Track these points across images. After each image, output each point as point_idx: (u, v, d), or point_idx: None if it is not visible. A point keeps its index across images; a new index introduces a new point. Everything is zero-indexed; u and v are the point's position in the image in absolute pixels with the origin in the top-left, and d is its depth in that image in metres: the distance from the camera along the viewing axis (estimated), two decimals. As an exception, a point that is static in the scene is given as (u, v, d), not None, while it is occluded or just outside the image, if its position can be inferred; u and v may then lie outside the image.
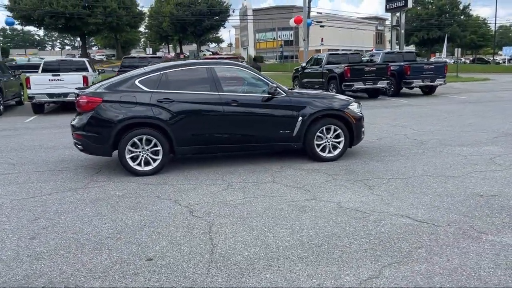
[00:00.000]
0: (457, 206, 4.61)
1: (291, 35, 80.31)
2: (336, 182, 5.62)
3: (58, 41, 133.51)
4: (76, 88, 6.70)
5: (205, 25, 59.75)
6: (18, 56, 50.46)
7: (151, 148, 6.12)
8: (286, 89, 6.79)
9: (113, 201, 5.00)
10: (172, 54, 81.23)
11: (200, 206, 4.78)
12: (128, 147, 6.03)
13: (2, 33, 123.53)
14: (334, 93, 7.62)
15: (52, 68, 15.34)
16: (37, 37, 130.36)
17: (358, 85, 15.94)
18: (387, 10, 29.79)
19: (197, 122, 6.26)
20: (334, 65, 16.91)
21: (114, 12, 46.46)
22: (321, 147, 6.75)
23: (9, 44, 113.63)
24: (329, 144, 6.78)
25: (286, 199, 4.96)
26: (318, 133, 6.68)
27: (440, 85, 17.38)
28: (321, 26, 52.18)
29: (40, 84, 13.66)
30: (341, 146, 6.83)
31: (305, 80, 19.00)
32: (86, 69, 15.37)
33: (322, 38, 57.80)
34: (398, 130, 9.56)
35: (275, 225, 4.18)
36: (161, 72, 6.35)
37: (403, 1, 27.60)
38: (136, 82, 6.20)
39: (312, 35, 60.92)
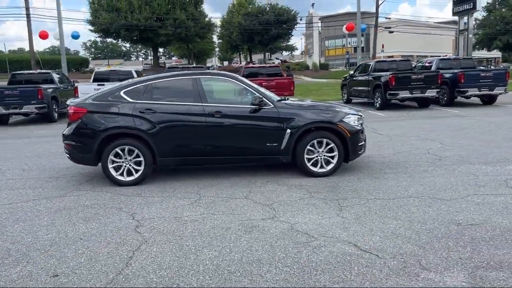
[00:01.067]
0: (421, 235, 4.06)
1: (361, 41, 78.32)
2: (309, 201, 5.25)
3: (142, 51, 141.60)
4: (70, 99, 6.95)
5: (272, 33, 60.12)
6: (97, 66, 54.48)
7: (133, 158, 6.16)
8: (276, 99, 6.51)
9: (75, 212, 5.07)
10: (243, 62, 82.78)
11: (151, 221, 4.69)
12: (111, 157, 6.11)
13: (94, 45, 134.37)
14: (333, 104, 7.16)
15: (102, 78, 16.25)
16: (124, 48, 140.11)
17: (404, 94, 15.00)
18: (454, 13, 27.88)
19: (179, 133, 6.19)
20: (380, 73, 16.09)
21: (183, 23, 48.37)
22: (312, 161, 6.37)
23: (94, 55, 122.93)
24: (321, 159, 6.38)
25: (242, 218, 4.70)
26: (308, 147, 6.32)
27: (501, 94, 15.81)
28: (390, 32, 50.20)
29: (87, 93, 14.48)
30: (334, 161, 6.39)
31: (353, 88, 18.31)
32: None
33: (383, 45, 55.46)
34: (423, 144, 8.79)
35: (207, 246, 3.96)
36: (146, 83, 6.39)
37: (471, 4, 25.64)
38: (121, 93, 6.29)
39: (382, 42, 58.90)
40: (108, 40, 67.87)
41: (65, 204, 5.39)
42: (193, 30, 49.77)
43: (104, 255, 3.82)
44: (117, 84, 6.61)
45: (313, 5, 75.53)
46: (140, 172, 6.18)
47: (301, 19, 64.12)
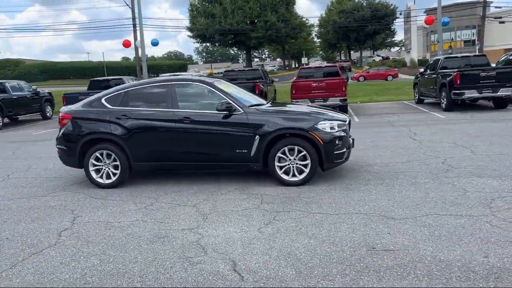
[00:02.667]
0: (318, 257, 3.66)
1: (472, 34, 71.46)
2: (250, 211, 5.02)
3: (255, 53, 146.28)
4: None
5: (368, 30, 57.91)
6: (193, 70, 57.69)
7: (111, 162, 6.46)
8: (248, 105, 6.32)
9: (35, 211, 5.48)
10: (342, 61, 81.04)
11: (83, 225, 4.88)
12: (92, 160, 6.48)
13: (205, 50, 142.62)
14: (314, 110, 6.68)
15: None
16: (232, 52, 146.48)
17: (471, 93, 13.40)
18: None
19: (151, 138, 6.34)
20: (447, 70, 14.59)
21: (273, 25, 48.92)
22: (284, 169, 6.06)
23: (206, 59, 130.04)
24: (293, 167, 6.04)
25: (166, 227, 4.67)
26: (279, 154, 6.03)
27: None
28: (501, 22, 45.08)
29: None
30: (307, 169, 6.00)
31: (422, 88, 16.87)
32: (260, 78, 16.34)
33: (477, 39, 49.76)
34: (450, 152, 7.81)
35: (100, 253, 4.02)
36: (124, 90, 6.64)
37: None
38: (103, 100, 6.62)
39: (492, 34, 53.12)
40: (204, 44, 70.90)
41: (36, 204, 5.85)
42: (284, 32, 50.04)
43: (7, 255, 4.09)
44: (102, 92, 6.96)
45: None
46: (117, 176, 6.45)
47: (400, 14, 60.68)
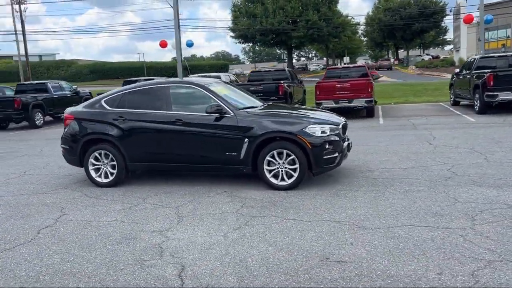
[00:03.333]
0: (266, 267, 3.59)
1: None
2: (228, 215, 5.00)
3: (295, 53, 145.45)
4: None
5: (415, 28, 55.95)
6: (238, 69, 58.25)
7: (109, 162, 6.64)
8: (240, 107, 6.29)
9: (29, 208, 5.73)
10: (392, 60, 78.82)
11: (65, 223, 5.05)
12: (91, 160, 6.70)
13: (252, 50, 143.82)
14: (304, 112, 6.53)
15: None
16: (278, 51, 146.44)
17: (505, 95, 12.63)
18: None
19: (145, 139, 6.46)
20: (482, 71, 13.83)
21: (315, 24, 48.40)
22: (273, 173, 5.99)
23: (252, 58, 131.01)
24: (282, 171, 5.95)
25: (139, 228, 4.75)
26: (268, 158, 5.96)
27: None
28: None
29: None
30: (296, 174, 5.90)
31: (457, 89, 16.08)
32: (287, 78, 16.20)
33: (504, 44, 46.49)
34: (462, 158, 7.41)
35: (65, 252, 4.15)
36: (122, 92, 6.80)
37: None
38: (102, 101, 6.83)
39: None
40: (246, 44, 71.25)
41: (33, 200, 6.12)
42: (325, 31, 49.38)
43: (-17, 250, 4.31)
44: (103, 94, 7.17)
45: (467, -5, 67.59)
46: (114, 175, 6.63)
47: (451, 11, 58.04)
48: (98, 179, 6.70)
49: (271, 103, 7.71)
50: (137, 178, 7.13)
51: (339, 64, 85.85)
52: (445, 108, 16.21)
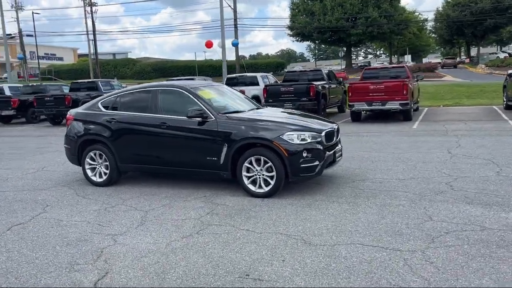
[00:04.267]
0: (182, 279, 3.53)
1: None
2: (186, 223, 4.97)
3: (362, 51, 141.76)
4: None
5: (487, 24, 52.23)
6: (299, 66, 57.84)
7: (103, 162, 6.88)
8: (224, 112, 6.22)
9: (21, 203, 6.06)
10: (464, 57, 74.38)
11: (36, 220, 5.29)
12: (87, 159, 6.98)
13: (317, 48, 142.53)
14: (286, 118, 6.30)
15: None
16: (345, 48, 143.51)
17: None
18: None
19: (133, 141, 6.60)
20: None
21: (375, 21, 46.80)
22: (251, 179, 5.88)
23: (317, 56, 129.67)
24: (259, 178, 5.83)
25: (98, 230, 4.86)
26: (247, 164, 5.86)
27: None
28: None
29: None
30: (273, 181, 5.75)
31: (510, 91, 14.81)
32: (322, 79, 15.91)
33: None
34: (468, 170, 6.83)
35: (3, 251, 4.35)
36: (117, 94, 7.00)
37: None
38: (99, 103, 7.07)
39: None
40: (305, 43, 70.22)
41: (27, 196, 6.47)
42: (386, 28, 47.56)
43: (-48, 243, 4.64)
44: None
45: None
46: (107, 175, 6.85)
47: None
48: (93, 178, 6.95)
49: (266, 107, 7.55)
50: (134, 178, 7.31)
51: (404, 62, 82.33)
52: (494, 112, 15.03)
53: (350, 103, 13.90)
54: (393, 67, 15.92)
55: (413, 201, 5.33)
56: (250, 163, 5.84)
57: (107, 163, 6.80)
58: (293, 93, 14.45)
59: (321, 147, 5.84)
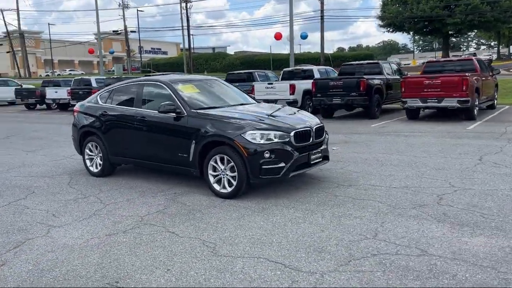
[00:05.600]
0: (57, 280, 3.47)
1: None
2: (128, 220, 4.91)
3: (474, 41, 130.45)
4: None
5: None
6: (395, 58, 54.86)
7: (98, 154, 7.11)
8: (194, 108, 5.99)
9: (11, 190, 6.49)
10: None
11: (8, 207, 5.63)
12: (86, 150, 7.27)
13: (421, 38, 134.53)
14: (256, 114, 5.85)
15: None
16: (453, 39, 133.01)
17: None
18: None
19: (119, 135, 6.71)
20: None
21: (476, 9, 42.41)
22: (217, 179, 5.65)
23: (422, 47, 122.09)
24: (223, 178, 5.58)
25: (48, 221, 4.99)
26: (212, 163, 5.64)
27: None
28: None
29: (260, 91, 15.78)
30: (235, 182, 5.46)
31: None
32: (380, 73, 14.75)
33: None
34: (479, 182, 5.85)
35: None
36: (112, 88, 7.15)
37: None
38: (97, 96, 7.30)
39: None
40: (396, 34, 65.69)
41: (28, 183, 6.88)
42: (489, 15, 42.90)
43: None
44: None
45: None
46: (101, 166, 7.07)
47: None
48: (91, 168, 7.22)
49: (261, 102, 7.15)
50: (130, 171, 7.43)
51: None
52: None
53: (403, 99, 12.76)
54: (459, 60, 14.24)
55: (377, 214, 4.69)
56: (216, 161, 5.60)
57: (101, 154, 7.01)
58: (342, 88, 13.67)
59: (289, 148, 5.39)
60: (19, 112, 23.59)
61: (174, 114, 5.98)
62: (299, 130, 5.55)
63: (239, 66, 57.87)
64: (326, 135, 6.26)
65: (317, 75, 16.64)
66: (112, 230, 4.55)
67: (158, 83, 6.53)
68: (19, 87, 27.49)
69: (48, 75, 73.61)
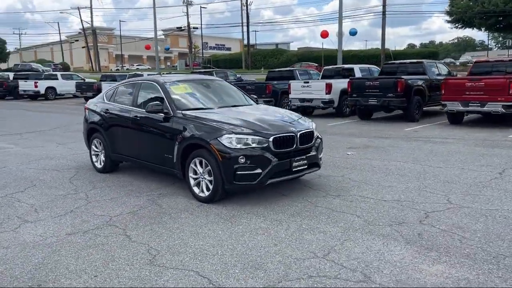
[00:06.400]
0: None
1: None
2: (89, 220, 4.97)
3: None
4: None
5: None
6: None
7: (102, 150, 7.28)
8: (182, 109, 5.91)
9: (15, 182, 6.82)
10: None
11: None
12: (92, 146, 7.47)
13: (500, 34, 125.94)
14: (241, 117, 5.61)
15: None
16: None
17: None
18: None
19: (116, 133, 6.82)
20: None
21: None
22: (196, 182, 5.56)
23: (501, 44, 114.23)
24: (202, 181, 5.47)
25: (22, 214, 5.18)
26: (192, 165, 5.56)
27: None
28: None
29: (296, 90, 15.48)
30: (211, 186, 5.33)
31: None
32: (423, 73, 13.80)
33: None
34: (483, 201, 5.26)
35: None
36: (116, 86, 7.26)
37: None
38: (104, 94, 7.46)
39: None
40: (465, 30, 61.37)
41: (35, 176, 7.19)
42: None
43: None
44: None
45: None
46: (103, 162, 7.24)
47: None
48: (96, 164, 7.41)
49: (250, 104, 6.90)
50: (133, 169, 7.52)
51: None
52: None
53: (443, 102, 11.88)
54: (510, 60, 12.98)
55: (346, 230, 4.35)
56: (196, 164, 5.50)
57: (104, 151, 7.17)
58: (378, 88, 13.00)
59: (267, 154, 5.15)
60: (78, 104, 24.94)
61: (162, 114, 5.95)
62: (280, 135, 5.28)
63: (296, 62, 57.36)
64: (319, 140, 5.93)
65: (358, 74, 16.00)
66: (75, 229, 4.60)
67: (152, 82, 6.53)
68: (82, 81, 29.18)
69: (118, 69, 77.48)
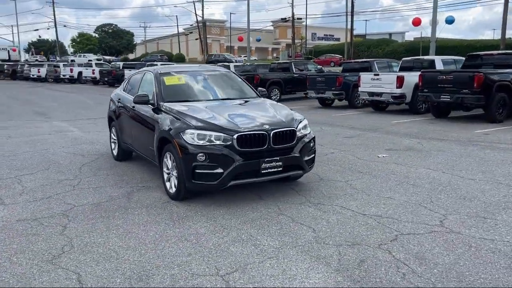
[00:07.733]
0: None
1: None
2: (53, 208, 5.03)
3: None
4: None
5: None
6: None
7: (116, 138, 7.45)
8: (168, 100, 5.71)
9: (39, 165, 7.29)
10: None
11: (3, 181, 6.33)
12: (111, 134, 7.68)
13: None
14: (234, 111, 5.19)
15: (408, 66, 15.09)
16: None
17: None
18: None
19: (123, 122, 6.89)
20: None
21: None
22: (168, 177, 5.36)
23: None
24: (171, 177, 5.25)
25: (7, 195, 5.47)
26: (164, 159, 5.36)
27: None
28: None
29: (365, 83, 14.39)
30: (176, 183, 5.09)
31: None
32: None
33: None
34: (489, 211, 4.23)
35: None
36: (130, 75, 7.31)
37: None
38: (123, 84, 7.58)
39: None
40: None
41: (58, 159, 7.59)
42: None
43: None
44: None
45: None
46: (116, 150, 7.40)
47: None
48: (114, 152, 7.58)
49: (263, 97, 6.39)
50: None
51: None
52: None
53: None
54: None
55: (280, 247, 3.79)
56: (168, 159, 5.28)
57: (117, 139, 7.31)
58: (452, 83, 11.42)
59: (232, 153, 4.72)
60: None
61: (150, 105, 5.82)
62: (246, 133, 4.79)
63: (403, 53, 53.72)
64: (305, 140, 5.28)
65: (439, 67, 14.28)
66: (28, 216, 4.69)
67: (150, 73, 6.43)
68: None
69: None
